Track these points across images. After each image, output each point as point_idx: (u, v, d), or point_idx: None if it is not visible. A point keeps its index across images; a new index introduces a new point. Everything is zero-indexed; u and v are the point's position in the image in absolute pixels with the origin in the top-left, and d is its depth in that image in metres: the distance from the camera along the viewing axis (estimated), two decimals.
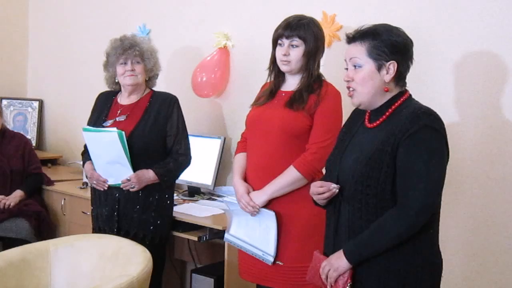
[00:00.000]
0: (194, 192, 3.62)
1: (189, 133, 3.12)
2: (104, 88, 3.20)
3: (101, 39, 3.42)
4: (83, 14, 4.59)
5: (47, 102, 4.93)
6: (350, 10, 3.13)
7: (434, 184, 1.84)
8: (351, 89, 1.96)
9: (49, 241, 2.86)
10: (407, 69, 1.97)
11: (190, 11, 3.89)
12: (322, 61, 2.63)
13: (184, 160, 3.04)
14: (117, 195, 2.98)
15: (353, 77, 1.95)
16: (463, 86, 2.78)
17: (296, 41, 2.53)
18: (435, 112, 1.90)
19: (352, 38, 1.96)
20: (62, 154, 4.72)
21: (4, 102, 4.82)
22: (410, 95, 1.99)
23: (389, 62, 1.91)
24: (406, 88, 2.00)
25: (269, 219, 2.52)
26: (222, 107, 3.76)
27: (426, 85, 2.82)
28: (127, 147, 2.88)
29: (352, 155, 1.96)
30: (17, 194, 3.77)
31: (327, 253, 2.01)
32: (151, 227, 2.98)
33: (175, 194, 3.32)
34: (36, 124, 4.89)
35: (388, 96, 1.95)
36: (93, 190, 3.09)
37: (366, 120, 2.01)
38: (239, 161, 2.70)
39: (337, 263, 1.92)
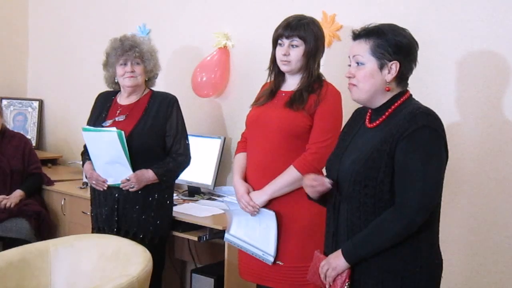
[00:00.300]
0: (194, 192, 3.62)
1: (189, 133, 3.12)
2: (104, 88, 3.20)
3: (101, 39, 3.42)
4: (83, 14, 4.59)
5: (47, 102, 4.93)
6: (350, 10, 3.13)
7: (432, 184, 1.84)
8: (352, 84, 1.96)
9: (49, 241, 2.86)
10: (410, 70, 1.97)
11: (190, 11, 3.89)
12: (322, 61, 2.63)
13: (183, 160, 3.04)
14: (116, 195, 2.98)
15: (354, 74, 1.95)
16: (463, 86, 2.78)
17: (296, 41, 2.53)
18: (433, 112, 1.90)
19: (358, 35, 1.96)
20: (62, 154, 4.72)
21: (4, 102, 4.82)
22: (411, 95, 1.99)
23: (391, 62, 1.91)
24: (408, 89, 2.00)
25: (269, 219, 2.52)
26: (222, 107, 3.76)
27: (426, 85, 2.82)
28: (126, 147, 2.88)
29: (351, 155, 1.97)
30: (17, 194, 3.77)
31: (327, 253, 2.01)
32: (151, 227, 2.98)
33: (175, 194, 3.33)
34: (36, 124, 4.89)
35: (389, 95, 1.95)
36: (93, 190, 3.09)
37: (367, 120, 2.02)
38: (239, 161, 2.70)
39: (335, 263, 1.92)
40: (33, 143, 4.65)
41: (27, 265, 2.68)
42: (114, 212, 2.98)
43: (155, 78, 3.15)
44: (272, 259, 2.52)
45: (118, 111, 3.06)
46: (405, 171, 1.84)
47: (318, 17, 2.86)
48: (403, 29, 1.96)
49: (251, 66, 3.52)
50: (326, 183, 1.98)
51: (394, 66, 1.92)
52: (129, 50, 2.99)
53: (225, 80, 3.67)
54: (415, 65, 1.98)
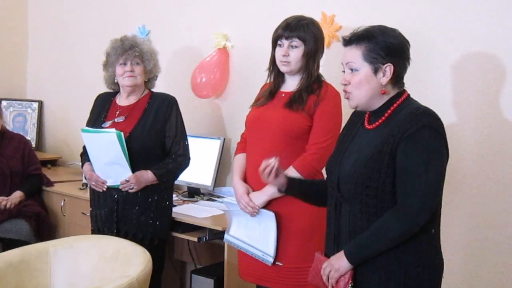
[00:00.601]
0: (193, 193, 3.62)
1: (188, 134, 3.12)
2: (104, 89, 3.20)
3: (101, 40, 3.42)
4: (83, 15, 4.59)
5: (46, 103, 4.93)
6: (349, 10, 3.13)
7: (433, 184, 1.84)
8: (348, 92, 1.96)
9: (48, 242, 2.86)
10: (404, 70, 1.96)
11: (190, 12, 3.89)
12: (321, 62, 2.63)
13: (183, 160, 3.04)
14: (116, 196, 2.98)
15: (349, 81, 1.94)
16: (463, 86, 2.78)
17: (296, 41, 2.53)
18: (434, 112, 1.90)
19: (348, 41, 1.95)
20: (62, 155, 4.71)
21: (4, 103, 4.81)
22: (409, 95, 1.98)
23: (385, 65, 1.91)
24: (404, 88, 1.99)
25: (268, 219, 2.52)
26: (221, 107, 3.76)
27: (425, 85, 2.82)
28: (125, 148, 2.88)
29: (352, 157, 1.96)
30: (17, 195, 3.77)
31: (328, 254, 2.01)
32: (150, 228, 2.98)
33: (174, 195, 3.33)
34: (35, 125, 4.89)
35: (386, 98, 1.95)
36: (92, 191, 3.09)
37: (366, 122, 2.01)
38: (238, 161, 2.70)
39: (338, 264, 1.92)
40: (33, 144, 4.64)
41: (26, 266, 2.68)
42: (113, 213, 2.98)
43: (154, 79, 3.15)
44: (271, 260, 2.52)
45: (117, 112, 3.06)
46: (406, 171, 1.84)
47: (317, 17, 2.86)
48: (393, 30, 1.95)
49: (250, 67, 3.52)
50: (271, 162, 2.08)
51: (389, 69, 1.91)
52: (129, 50, 2.99)
53: (225, 81, 3.67)
54: (409, 63, 1.97)
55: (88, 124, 3.10)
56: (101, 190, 3.00)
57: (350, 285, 1.91)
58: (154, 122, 3.00)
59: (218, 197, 3.52)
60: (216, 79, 3.62)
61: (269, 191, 2.52)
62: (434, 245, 1.93)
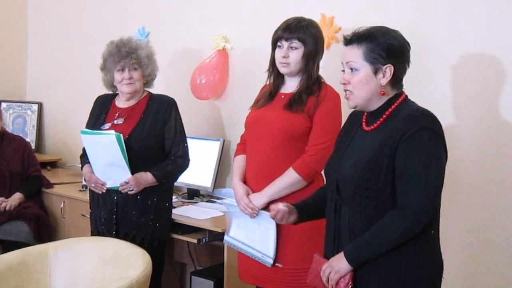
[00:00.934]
0: (193, 194, 3.62)
1: (188, 135, 3.12)
2: (103, 91, 3.20)
3: (100, 42, 3.41)
4: (82, 17, 4.59)
5: (46, 105, 4.93)
6: (349, 12, 3.13)
7: (433, 185, 1.84)
8: (347, 92, 1.96)
9: (48, 244, 2.86)
10: (403, 71, 1.97)
11: (189, 13, 3.89)
12: (321, 63, 2.63)
13: (182, 162, 3.04)
14: (115, 198, 2.98)
15: (349, 80, 1.95)
16: (462, 87, 2.78)
17: (295, 43, 2.53)
18: (432, 114, 1.90)
19: (349, 41, 1.96)
20: (62, 157, 4.71)
21: (4, 105, 4.81)
22: (407, 96, 1.98)
23: (385, 66, 1.91)
24: (403, 90, 1.99)
25: (268, 221, 2.52)
26: (221, 109, 3.76)
27: (424, 86, 2.82)
28: (125, 150, 2.88)
29: (351, 159, 1.96)
30: (17, 197, 3.77)
31: (328, 256, 2.01)
32: (150, 230, 2.98)
33: (174, 197, 3.33)
34: (35, 127, 4.89)
35: (385, 98, 1.95)
36: (92, 193, 3.09)
37: (364, 123, 2.01)
38: (238, 163, 2.70)
39: (338, 265, 1.92)
40: (33, 146, 4.64)
41: (26, 268, 2.68)
42: (113, 215, 2.98)
43: (153, 80, 3.15)
44: (271, 261, 2.52)
45: (116, 114, 3.06)
46: (406, 172, 1.84)
47: (317, 19, 2.86)
48: (394, 31, 1.96)
49: (250, 68, 3.52)
50: (281, 207, 2.12)
51: (389, 70, 1.91)
52: (126, 57, 2.97)
53: (224, 82, 3.67)
54: (408, 65, 1.98)
55: (87, 126, 3.10)
56: (100, 192, 3.00)
57: (350, 287, 1.90)
58: (154, 124, 3.00)
59: (218, 198, 3.51)
60: (215, 81, 3.62)
61: (269, 193, 2.53)
62: (433, 246, 1.93)
